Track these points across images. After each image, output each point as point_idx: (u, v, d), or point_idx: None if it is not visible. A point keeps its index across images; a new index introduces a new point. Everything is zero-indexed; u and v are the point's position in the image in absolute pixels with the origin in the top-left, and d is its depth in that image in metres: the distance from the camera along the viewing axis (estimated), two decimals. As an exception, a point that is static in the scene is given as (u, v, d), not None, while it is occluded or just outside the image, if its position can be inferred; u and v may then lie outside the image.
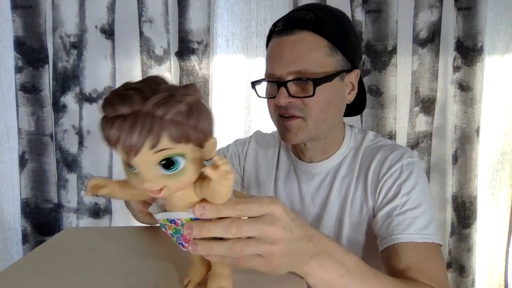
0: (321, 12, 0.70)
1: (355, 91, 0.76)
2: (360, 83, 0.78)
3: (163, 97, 0.31)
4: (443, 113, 1.39)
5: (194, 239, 0.37)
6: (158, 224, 0.42)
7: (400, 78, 1.37)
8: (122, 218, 1.42)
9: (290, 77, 0.68)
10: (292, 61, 0.68)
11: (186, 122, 0.32)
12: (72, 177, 1.40)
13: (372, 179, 0.73)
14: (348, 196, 0.75)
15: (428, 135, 1.39)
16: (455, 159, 1.39)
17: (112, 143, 0.32)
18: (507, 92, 1.39)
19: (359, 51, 0.76)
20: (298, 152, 0.81)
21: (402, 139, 1.40)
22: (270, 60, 0.72)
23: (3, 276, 0.49)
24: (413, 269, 0.62)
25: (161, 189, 0.34)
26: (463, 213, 1.39)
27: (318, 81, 0.67)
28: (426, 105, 1.38)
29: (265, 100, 0.75)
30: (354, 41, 0.75)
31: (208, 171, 0.32)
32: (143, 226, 0.70)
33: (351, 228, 0.74)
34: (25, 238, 1.41)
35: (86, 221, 1.39)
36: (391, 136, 1.38)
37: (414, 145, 1.39)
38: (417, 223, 0.66)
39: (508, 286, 1.44)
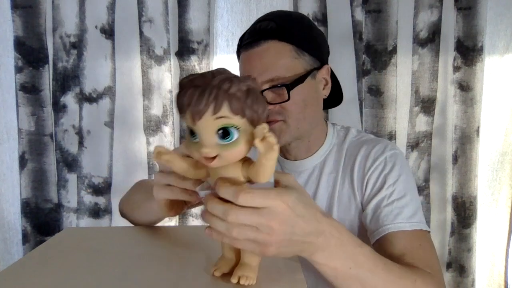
0: (280, 19, 0.74)
1: (329, 85, 0.79)
2: (333, 76, 0.81)
3: (228, 76, 0.39)
4: (443, 113, 1.39)
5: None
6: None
7: (400, 78, 1.37)
8: (122, 218, 1.42)
9: (264, 86, 0.71)
10: (263, 71, 0.71)
11: (244, 99, 0.38)
12: (72, 177, 1.40)
13: (358, 174, 0.75)
14: (335, 191, 0.77)
15: (428, 135, 1.39)
16: (455, 159, 1.39)
17: (182, 108, 0.39)
18: (507, 92, 1.39)
19: (325, 47, 0.80)
20: (284, 152, 0.83)
21: (402, 139, 1.40)
22: (242, 74, 0.75)
23: (3, 276, 0.49)
24: (408, 256, 0.63)
25: (214, 157, 0.38)
26: (463, 213, 1.39)
27: (290, 86, 0.70)
28: (426, 105, 1.38)
29: None
30: (318, 39, 0.78)
31: (256, 141, 0.37)
32: (143, 227, 0.70)
33: (340, 221, 0.75)
34: (25, 238, 1.41)
35: (86, 221, 1.39)
36: (391, 136, 1.38)
37: (414, 145, 1.39)
38: (405, 212, 0.68)
39: (508, 286, 1.44)
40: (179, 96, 0.39)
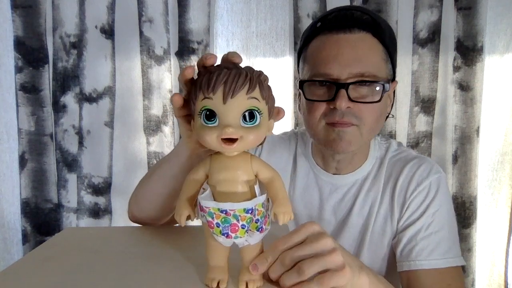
0: (374, 15, 0.66)
1: (392, 102, 0.73)
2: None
3: (252, 68, 0.41)
4: (443, 113, 1.39)
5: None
6: None
7: (400, 78, 1.37)
8: (122, 218, 1.42)
9: (352, 79, 0.62)
10: (354, 61, 0.62)
11: (269, 89, 0.41)
12: (72, 177, 1.40)
13: (399, 195, 0.71)
14: (373, 211, 0.72)
15: (428, 135, 1.39)
16: (455, 159, 1.38)
17: (213, 87, 0.38)
18: (507, 92, 1.39)
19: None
20: (325, 163, 0.76)
21: (402, 139, 1.40)
22: (324, 59, 0.64)
23: (3, 276, 0.48)
24: None
25: (235, 140, 0.38)
26: (463, 213, 1.39)
27: (385, 86, 0.63)
28: (426, 105, 1.38)
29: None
30: (397, 51, 0.73)
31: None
32: (143, 226, 0.70)
33: (373, 243, 0.72)
34: (25, 238, 1.41)
35: (86, 221, 1.39)
36: (391, 136, 1.38)
37: (414, 145, 1.39)
38: (441, 246, 0.65)
39: (508, 286, 1.44)
40: (209, 78, 0.39)
